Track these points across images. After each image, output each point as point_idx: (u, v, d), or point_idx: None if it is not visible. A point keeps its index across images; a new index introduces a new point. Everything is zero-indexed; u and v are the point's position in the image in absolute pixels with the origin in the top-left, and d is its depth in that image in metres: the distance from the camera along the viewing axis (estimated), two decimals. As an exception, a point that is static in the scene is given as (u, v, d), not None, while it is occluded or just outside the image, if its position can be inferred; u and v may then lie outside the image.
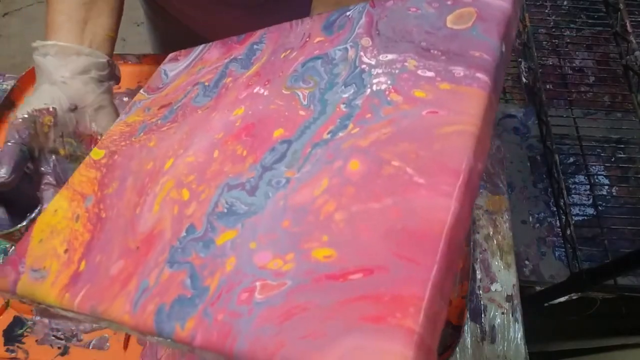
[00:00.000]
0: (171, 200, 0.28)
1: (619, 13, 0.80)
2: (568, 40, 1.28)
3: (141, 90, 0.43)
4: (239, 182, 0.25)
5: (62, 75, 0.42)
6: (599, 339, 1.08)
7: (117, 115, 0.46)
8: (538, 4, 1.31)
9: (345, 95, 0.26)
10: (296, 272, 0.20)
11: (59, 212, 0.34)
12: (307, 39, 0.31)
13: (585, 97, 1.21)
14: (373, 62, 0.27)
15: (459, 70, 0.24)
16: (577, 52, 1.26)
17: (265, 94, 0.29)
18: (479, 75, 0.23)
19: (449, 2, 0.27)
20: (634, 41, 0.76)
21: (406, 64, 0.25)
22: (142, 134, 0.35)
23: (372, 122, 0.24)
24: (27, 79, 0.67)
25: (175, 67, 0.42)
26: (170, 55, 0.45)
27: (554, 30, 1.29)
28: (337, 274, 0.19)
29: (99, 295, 0.26)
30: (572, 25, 1.29)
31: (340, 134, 0.24)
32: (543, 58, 1.24)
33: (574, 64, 1.25)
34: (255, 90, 0.30)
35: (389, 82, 0.25)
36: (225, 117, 0.30)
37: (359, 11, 0.30)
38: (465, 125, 0.21)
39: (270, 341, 0.18)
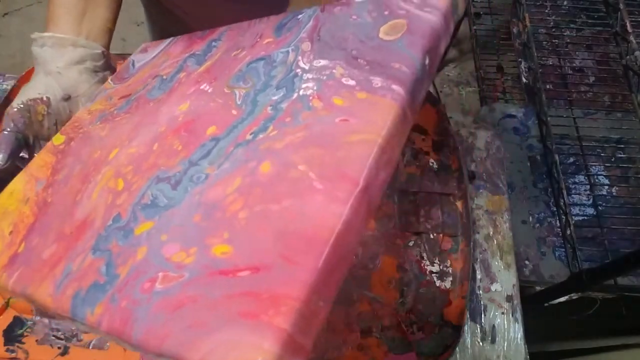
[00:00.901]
0: (107, 189, 0.28)
1: (619, 13, 0.80)
2: (568, 40, 1.28)
3: (109, 79, 0.44)
4: (167, 176, 0.26)
5: (57, 66, 0.44)
6: (599, 339, 1.08)
7: None
8: (538, 4, 1.31)
9: (275, 98, 0.27)
10: (195, 265, 0.21)
11: (13, 195, 0.35)
12: (258, 39, 0.31)
13: (585, 97, 1.21)
14: (307, 67, 0.28)
15: (377, 81, 0.24)
16: (577, 52, 1.26)
17: (209, 91, 0.30)
18: (394, 86, 0.24)
19: (386, 13, 0.28)
20: (634, 41, 0.76)
21: (334, 71, 0.26)
22: (98, 122, 0.37)
23: (289, 126, 0.25)
24: (27, 79, 0.66)
25: (142, 58, 0.43)
26: (142, 46, 0.46)
27: (554, 30, 1.29)
28: (228, 270, 0.20)
29: (30, 277, 0.26)
30: (572, 25, 1.29)
31: (261, 136, 0.25)
32: (543, 58, 1.24)
33: (574, 64, 1.25)
34: (202, 87, 0.31)
35: (315, 87, 0.26)
36: (171, 112, 0.31)
37: (309, 15, 0.30)
38: (371, 135, 0.22)
39: (160, 329, 0.19)
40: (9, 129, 0.40)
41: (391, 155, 0.22)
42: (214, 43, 0.35)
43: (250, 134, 0.25)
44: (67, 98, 0.44)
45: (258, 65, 0.29)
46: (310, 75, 0.27)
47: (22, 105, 0.41)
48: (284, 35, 0.30)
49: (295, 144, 0.23)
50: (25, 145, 0.41)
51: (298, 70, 0.28)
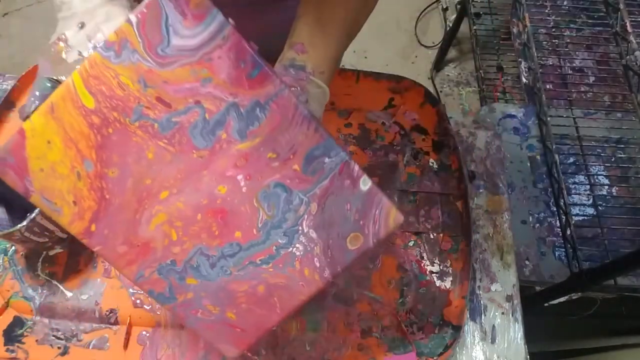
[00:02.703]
0: (163, 232, 0.39)
1: (619, 13, 0.80)
2: (568, 40, 1.28)
3: (134, 28, 0.34)
4: (207, 254, 0.39)
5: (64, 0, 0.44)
6: (599, 339, 1.08)
7: None
8: (538, 4, 1.31)
9: (280, 242, 0.39)
10: (217, 315, 0.42)
11: (53, 148, 0.36)
12: (291, 157, 0.37)
13: (585, 97, 1.21)
14: (305, 230, 0.39)
15: (327, 273, 0.40)
16: (577, 52, 1.26)
17: (243, 190, 0.38)
18: (326, 274, 0.40)
19: (361, 222, 0.39)
20: (634, 41, 0.76)
21: (315, 248, 0.39)
22: (137, 123, 0.36)
23: (279, 271, 0.40)
24: (27, 79, 0.67)
25: (180, 31, 0.34)
26: (188, 1, 0.34)
27: (554, 30, 1.29)
28: (230, 324, 0.42)
29: (110, 258, 0.39)
30: (572, 25, 1.29)
31: (264, 266, 0.40)
32: (543, 58, 1.24)
33: (574, 64, 1.25)
34: (238, 178, 0.38)
35: (302, 252, 0.39)
36: (212, 188, 0.38)
37: (336, 163, 0.38)
38: (302, 296, 0.41)
39: (198, 327, 0.42)
40: (42, 77, 0.43)
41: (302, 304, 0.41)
42: (258, 111, 0.36)
43: (259, 260, 0.40)
44: (82, 26, 0.43)
45: (281, 196, 0.38)
46: (304, 240, 0.39)
47: (49, 52, 0.43)
48: (308, 175, 0.38)
49: (276, 285, 0.40)
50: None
51: (300, 228, 0.39)
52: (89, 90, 0.35)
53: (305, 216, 0.39)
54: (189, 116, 0.36)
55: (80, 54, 0.43)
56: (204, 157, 0.37)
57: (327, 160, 0.38)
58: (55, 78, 0.44)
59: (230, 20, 0.35)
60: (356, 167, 0.38)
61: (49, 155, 0.37)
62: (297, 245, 0.39)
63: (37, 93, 0.43)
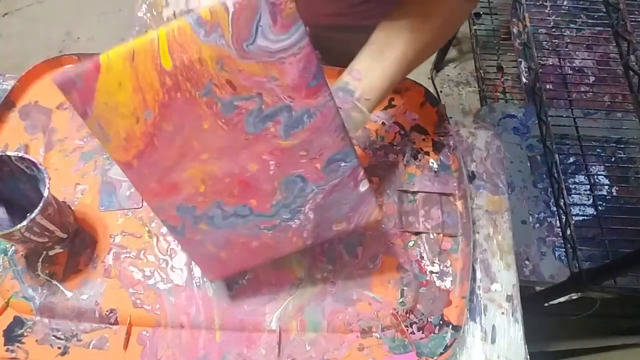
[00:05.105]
0: (193, 183, 0.44)
1: (619, 13, 0.80)
2: (568, 40, 1.28)
3: (229, 16, 0.37)
4: (223, 209, 0.46)
5: None
6: (599, 339, 1.08)
7: None
8: (538, 4, 1.31)
9: (284, 217, 0.47)
10: (213, 253, 0.49)
11: (122, 90, 0.40)
12: (317, 157, 0.44)
13: (585, 97, 1.21)
14: (305, 211, 0.47)
15: (309, 241, 0.50)
16: (577, 52, 1.26)
17: (270, 173, 0.44)
18: (308, 242, 0.50)
19: (351, 226, 0.49)
20: (634, 41, 0.76)
21: (308, 225, 0.48)
22: (204, 98, 0.40)
23: (274, 236, 0.48)
24: (27, 79, 0.67)
25: (267, 35, 0.38)
26: (275, 3, 0.37)
27: (554, 30, 1.29)
28: (217, 258, 0.49)
29: (141, 189, 0.44)
30: (572, 25, 1.29)
31: (265, 231, 0.48)
32: (543, 58, 1.24)
33: (574, 64, 1.25)
34: (270, 163, 0.44)
35: (296, 225, 0.48)
36: (246, 163, 0.44)
37: (349, 167, 0.45)
38: None
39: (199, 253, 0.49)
40: (137, 28, 0.45)
41: None
42: (305, 117, 0.42)
43: (263, 227, 0.47)
44: None
45: (298, 184, 0.45)
46: (302, 217, 0.47)
47: (146, 5, 0.45)
48: (325, 174, 0.45)
49: (267, 244, 0.49)
50: None
51: (303, 209, 0.46)
52: (171, 54, 0.38)
53: (311, 201, 0.46)
54: (248, 103, 0.41)
55: (174, 14, 0.44)
56: (249, 140, 0.43)
57: (343, 164, 0.45)
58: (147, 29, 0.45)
59: (307, 29, 0.39)
60: (361, 172, 0.46)
61: (116, 94, 0.40)
62: (296, 220, 0.47)
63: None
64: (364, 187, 0.46)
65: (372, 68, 0.49)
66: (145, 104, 0.40)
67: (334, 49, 0.71)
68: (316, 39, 0.71)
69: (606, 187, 1.04)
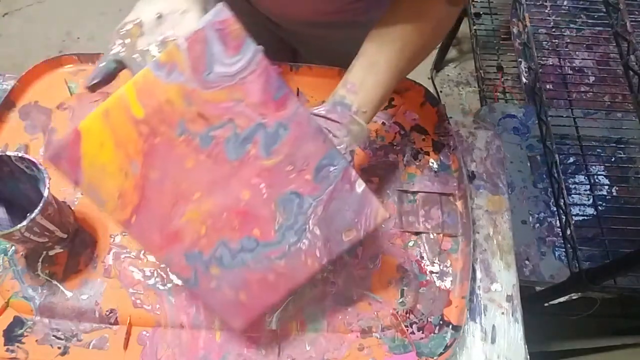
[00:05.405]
0: (193, 227, 0.44)
1: (619, 13, 0.80)
2: (568, 40, 1.28)
3: (183, 53, 0.39)
4: (229, 247, 0.45)
5: None
6: (599, 339, 1.08)
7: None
8: (538, 4, 1.31)
9: (292, 240, 0.45)
10: (232, 297, 0.47)
11: (105, 149, 0.41)
12: (305, 168, 0.44)
13: (585, 97, 1.21)
14: (311, 228, 0.45)
15: (323, 256, 0.47)
16: (577, 52, 1.26)
17: (264, 196, 0.44)
18: (323, 261, 0.47)
19: (355, 220, 0.46)
20: (634, 41, 0.76)
21: (317, 242, 0.46)
22: (181, 138, 0.42)
23: (288, 264, 0.46)
24: (27, 79, 0.67)
25: (222, 60, 0.39)
26: (222, 29, 0.39)
27: (554, 30, 1.29)
28: (238, 302, 0.47)
29: (146, 244, 0.45)
30: (572, 25, 1.29)
31: (277, 261, 0.46)
32: (543, 58, 1.24)
33: (574, 64, 1.25)
34: (261, 187, 0.44)
35: (306, 246, 0.46)
36: (238, 192, 0.44)
37: (339, 170, 0.44)
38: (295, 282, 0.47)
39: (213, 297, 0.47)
40: (111, 54, 0.45)
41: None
42: (281, 131, 0.42)
43: (274, 257, 0.46)
44: (159, 17, 0.45)
45: (294, 201, 0.45)
46: (309, 236, 0.45)
47: (122, 32, 0.45)
48: (318, 183, 0.44)
49: (284, 274, 0.46)
50: (122, 67, 0.45)
51: (307, 226, 0.45)
52: (141, 102, 0.40)
53: (312, 216, 0.45)
54: (223, 131, 0.42)
55: (149, 44, 0.45)
56: (234, 167, 0.43)
57: (332, 168, 0.45)
58: (120, 60, 0.45)
59: (259, 47, 0.40)
60: (353, 173, 0.45)
61: (101, 155, 0.41)
62: (304, 241, 0.46)
63: (102, 65, 0.46)
64: (360, 187, 0.45)
65: (366, 80, 0.49)
66: (129, 156, 0.41)
67: (331, 47, 0.71)
68: (313, 39, 0.72)
69: (606, 187, 1.04)
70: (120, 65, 0.46)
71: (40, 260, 0.56)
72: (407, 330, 0.56)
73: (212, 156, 0.43)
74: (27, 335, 0.52)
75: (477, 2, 1.50)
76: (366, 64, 0.50)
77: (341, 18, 0.68)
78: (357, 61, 0.51)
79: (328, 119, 0.48)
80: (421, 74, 1.75)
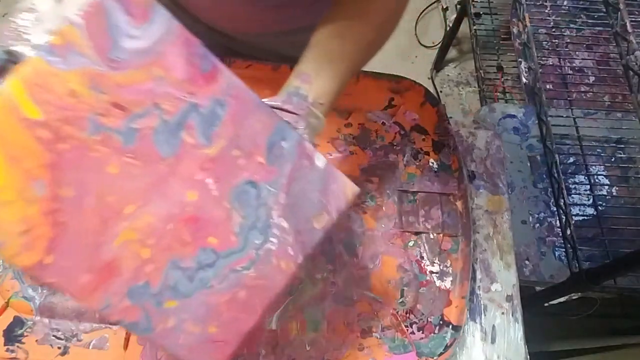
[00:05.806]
0: (131, 250, 0.35)
1: (619, 13, 0.80)
2: (568, 40, 1.28)
3: (80, 30, 0.32)
4: (182, 267, 0.36)
5: None
6: (599, 339, 1.08)
7: None
8: (538, 4, 1.31)
9: (257, 242, 0.37)
10: (199, 334, 0.37)
11: None
12: (254, 150, 0.37)
13: (585, 97, 1.21)
14: (277, 222, 0.38)
15: (300, 257, 0.39)
16: (577, 52, 1.26)
17: (214, 194, 0.36)
18: (299, 260, 0.39)
19: (323, 201, 0.39)
20: (634, 41, 0.76)
21: (287, 237, 0.38)
22: (95, 137, 0.33)
23: (259, 272, 0.38)
24: (27, 79, 0.66)
25: (129, 32, 0.33)
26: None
27: (554, 30, 1.29)
28: (208, 338, 0.37)
29: (72, 291, 0.34)
30: (572, 25, 1.29)
31: (245, 272, 0.37)
32: (543, 58, 1.24)
33: (574, 64, 1.25)
34: (207, 181, 0.36)
35: (275, 245, 0.38)
36: (182, 195, 0.36)
37: (293, 146, 0.38)
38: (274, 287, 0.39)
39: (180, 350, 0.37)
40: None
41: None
42: (218, 109, 0.35)
43: (241, 267, 0.37)
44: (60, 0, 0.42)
45: (250, 192, 0.37)
46: (276, 231, 0.38)
47: (14, 19, 0.42)
48: (272, 165, 0.38)
49: (256, 286, 0.38)
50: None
51: (272, 220, 0.38)
52: (35, 100, 0.31)
53: (275, 206, 0.38)
54: (148, 120, 0.34)
55: (49, 31, 0.40)
56: (170, 164, 0.35)
57: (284, 144, 0.38)
58: (11, 52, 0.39)
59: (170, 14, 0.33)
60: (309, 146, 0.39)
61: None
62: (272, 239, 0.38)
63: None
64: (320, 160, 0.39)
65: (320, 70, 0.47)
66: (29, 174, 0.32)
67: (282, 53, 0.69)
68: (279, 48, 0.68)
69: (606, 187, 1.04)
70: (12, 58, 0.39)
71: (40, 260, 0.56)
72: (407, 330, 0.56)
73: (139, 155, 0.34)
74: (27, 335, 0.52)
75: (477, 2, 1.50)
76: (318, 55, 0.48)
77: (307, 22, 0.67)
78: (309, 52, 0.48)
79: (284, 110, 0.43)
80: (421, 74, 1.75)
